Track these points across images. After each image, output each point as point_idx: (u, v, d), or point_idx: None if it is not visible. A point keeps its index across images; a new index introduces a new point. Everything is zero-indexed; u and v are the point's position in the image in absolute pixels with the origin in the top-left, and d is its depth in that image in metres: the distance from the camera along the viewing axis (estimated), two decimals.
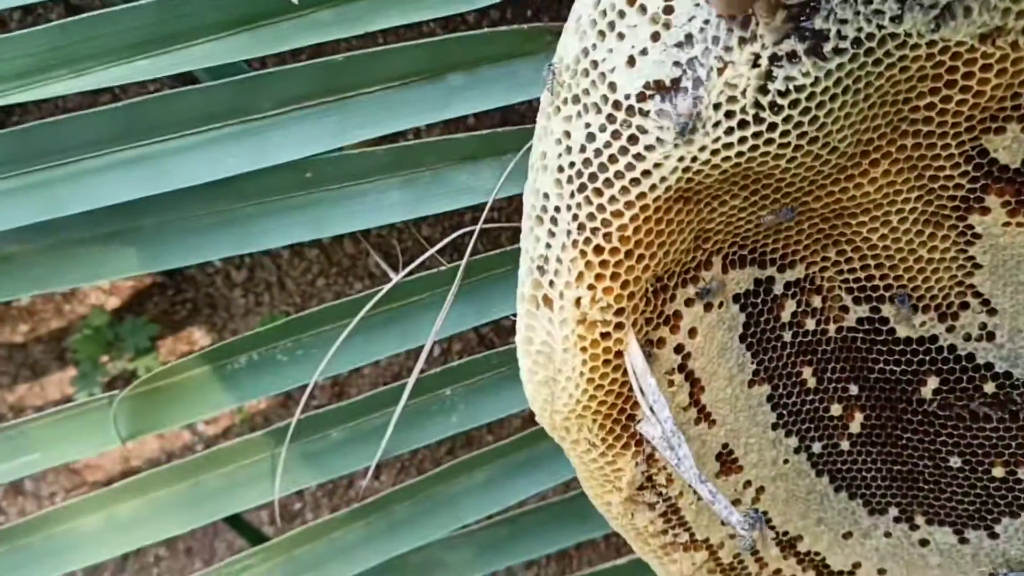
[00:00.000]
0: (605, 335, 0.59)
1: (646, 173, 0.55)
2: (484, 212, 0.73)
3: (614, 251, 0.57)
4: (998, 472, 0.69)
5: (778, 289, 0.65)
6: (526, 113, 0.79)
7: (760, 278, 0.65)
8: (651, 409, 0.57)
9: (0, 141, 0.71)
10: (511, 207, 0.86)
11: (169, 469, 0.81)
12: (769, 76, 0.53)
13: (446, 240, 0.75)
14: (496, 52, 0.72)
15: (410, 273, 0.76)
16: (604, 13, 0.57)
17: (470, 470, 0.84)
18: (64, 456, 0.81)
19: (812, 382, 0.68)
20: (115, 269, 0.79)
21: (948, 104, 0.57)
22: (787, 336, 0.66)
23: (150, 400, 0.82)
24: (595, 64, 0.56)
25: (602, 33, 0.57)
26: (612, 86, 0.55)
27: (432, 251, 0.76)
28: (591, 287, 0.58)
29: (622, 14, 0.56)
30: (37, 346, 1.05)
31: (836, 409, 0.69)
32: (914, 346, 0.67)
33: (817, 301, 0.66)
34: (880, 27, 0.53)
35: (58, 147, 0.73)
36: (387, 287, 0.75)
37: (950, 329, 0.66)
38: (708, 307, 0.64)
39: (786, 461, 0.69)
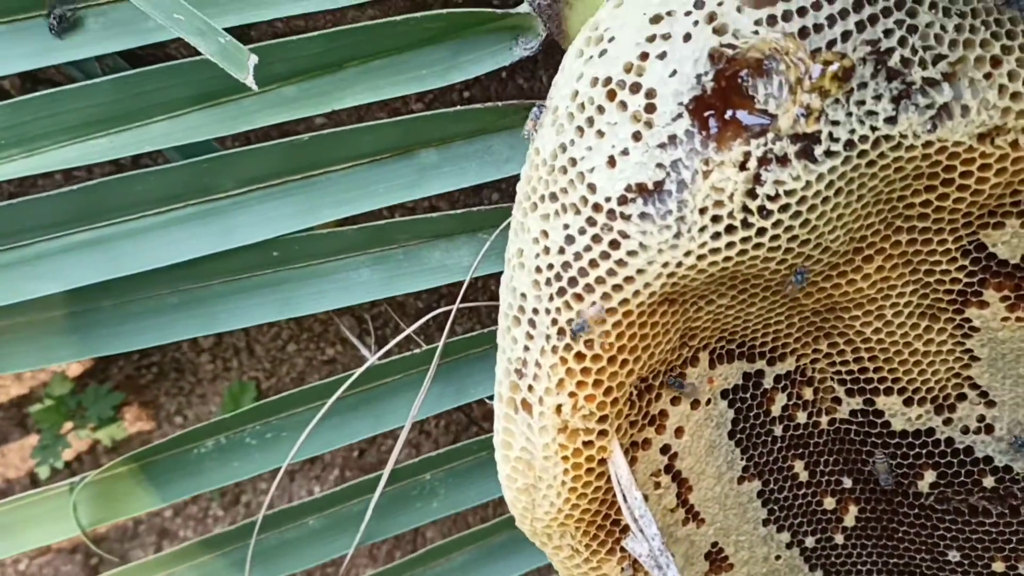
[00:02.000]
0: (588, 443, 0.56)
1: (629, 279, 0.52)
2: (461, 291, 0.70)
3: (596, 358, 0.54)
4: (998, 567, 0.66)
5: (768, 383, 0.63)
6: (504, 189, 0.76)
7: (749, 372, 0.62)
8: (637, 526, 0.54)
9: None
10: (491, 283, 0.83)
11: (140, 566, 0.77)
12: (758, 180, 0.50)
13: (420, 321, 0.72)
14: (469, 129, 0.69)
15: (385, 355, 0.73)
16: (582, 107, 0.54)
17: (448, 553, 0.81)
18: (20, 545, 0.77)
19: (804, 476, 0.65)
20: (75, 352, 0.75)
21: (945, 201, 0.54)
22: (778, 430, 0.64)
23: (115, 484, 0.79)
24: (573, 162, 0.53)
25: (580, 129, 0.54)
26: (592, 187, 0.52)
27: (408, 331, 0.73)
28: (572, 394, 0.55)
29: (601, 109, 0.53)
30: None
31: (830, 503, 0.66)
32: (910, 439, 0.64)
33: (808, 393, 0.64)
34: (874, 128, 0.50)
35: (13, 230, 0.69)
36: (360, 370, 0.71)
37: (947, 422, 0.63)
38: (695, 404, 0.61)
39: (778, 557, 0.66)
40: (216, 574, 0.78)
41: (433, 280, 0.73)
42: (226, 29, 0.59)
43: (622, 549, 0.60)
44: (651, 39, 0.52)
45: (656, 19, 0.52)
